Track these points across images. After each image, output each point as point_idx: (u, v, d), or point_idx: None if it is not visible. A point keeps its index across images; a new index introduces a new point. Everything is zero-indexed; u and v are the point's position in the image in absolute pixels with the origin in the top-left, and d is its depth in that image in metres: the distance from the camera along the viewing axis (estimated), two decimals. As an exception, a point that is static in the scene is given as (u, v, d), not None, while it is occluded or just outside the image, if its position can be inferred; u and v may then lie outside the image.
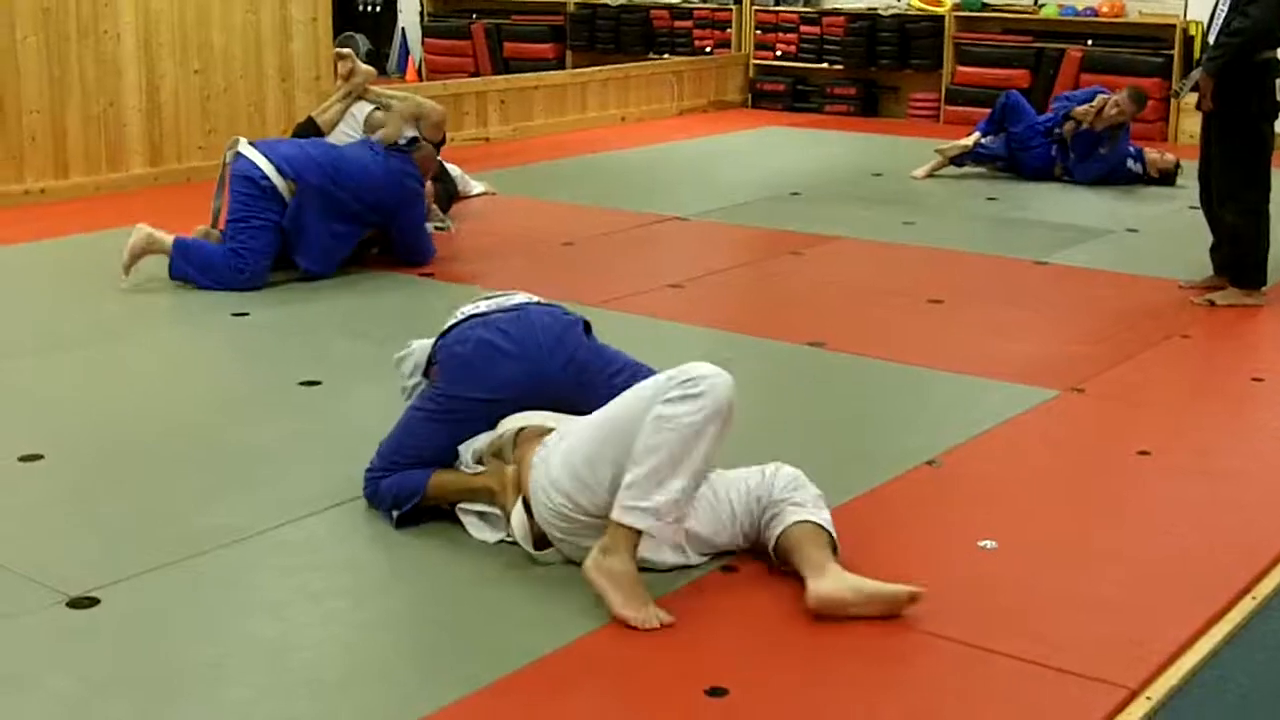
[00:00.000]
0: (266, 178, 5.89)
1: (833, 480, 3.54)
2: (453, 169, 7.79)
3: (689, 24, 12.87)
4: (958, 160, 8.89)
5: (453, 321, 3.71)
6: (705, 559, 3.35)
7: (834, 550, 3.22)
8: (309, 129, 7.17)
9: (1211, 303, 5.86)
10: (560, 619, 3.08)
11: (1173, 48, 10.66)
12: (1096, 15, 11.09)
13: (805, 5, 12.44)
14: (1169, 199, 8.27)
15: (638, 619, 3.04)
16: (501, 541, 3.44)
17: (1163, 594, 3.28)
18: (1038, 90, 10.75)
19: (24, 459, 3.99)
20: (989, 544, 3.49)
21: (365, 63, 7.76)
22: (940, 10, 11.68)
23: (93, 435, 4.23)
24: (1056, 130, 8.75)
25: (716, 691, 2.81)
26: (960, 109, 11.24)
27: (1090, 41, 11.04)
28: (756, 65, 12.64)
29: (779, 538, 3.24)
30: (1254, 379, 4.99)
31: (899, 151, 9.86)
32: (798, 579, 3.17)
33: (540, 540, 3.35)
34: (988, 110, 9.14)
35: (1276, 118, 5.83)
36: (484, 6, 13.96)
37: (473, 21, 13.78)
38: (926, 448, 4.15)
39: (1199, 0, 9.36)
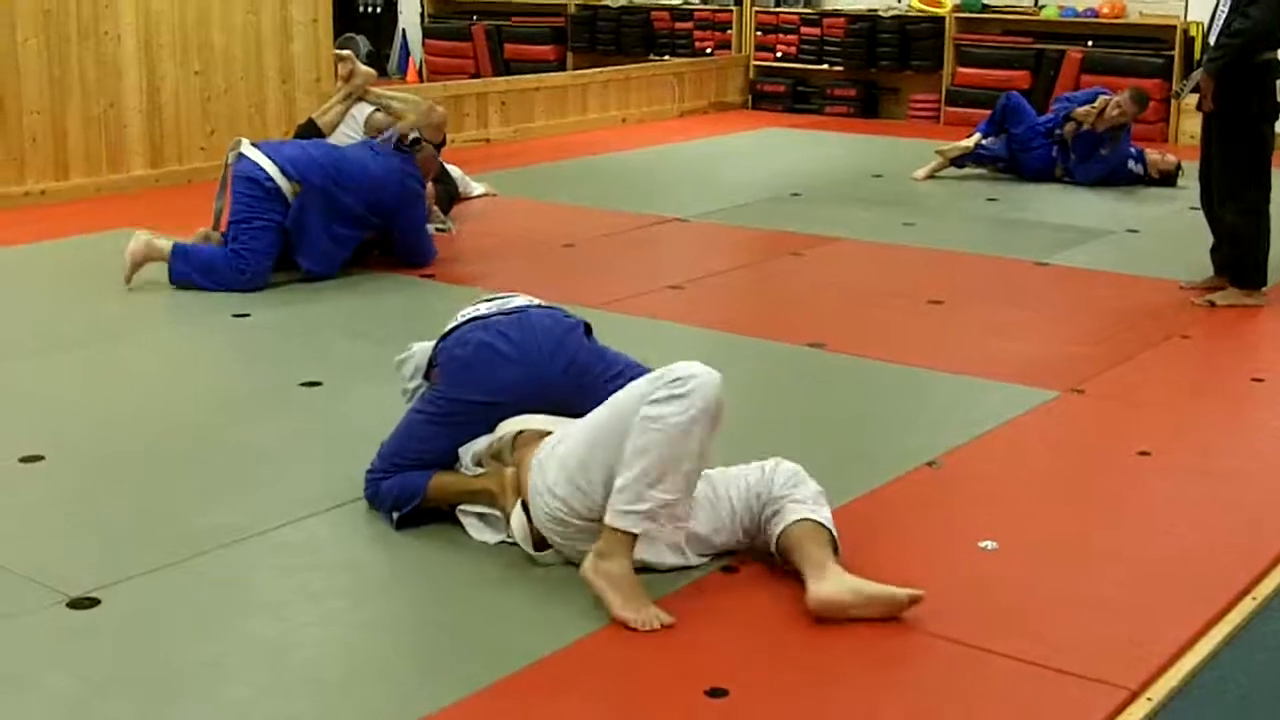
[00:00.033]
0: (271, 179, 5.89)
1: (833, 481, 3.54)
2: (453, 170, 7.79)
3: (689, 25, 12.87)
4: (958, 161, 8.89)
5: (453, 324, 3.71)
6: (705, 559, 3.35)
7: (835, 549, 3.22)
8: (310, 130, 7.19)
9: (1212, 303, 5.86)
10: (560, 620, 3.08)
11: (1173, 49, 10.66)
12: (1097, 16, 11.09)
13: (805, 6, 12.44)
14: (1170, 200, 8.26)
15: (637, 620, 3.04)
16: (501, 543, 3.44)
17: (1163, 594, 3.28)
18: (1038, 91, 10.75)
19: (25, 460, 3.99)
20: (989, 544, 3.49)
21: (366, 64, 7.77)
22: (940, 11, 11.68)
23: (93, 436, 4.23)
24: (1057, 131, 8.74)
25: (716, 692, 2.81)
26: (961, 110, 11.23)
27: (1091, 42, 11.03)
28: (757, 67, 12.64)
29: (780, 536, 3.24)
30: (1254, 379, 4.99)
31: (899, 153, 9.85)
32: (798, 579, 3.17)
33: (540, 542, 3.35)
34: (988, 111, 9.13)
35: (1277, 118, 5.83)
36: (484, 8, 13.96)
37: (473, 23, 13.78)
38: (927, 448, 4.15)
39: (1199, 1, 9.36)
